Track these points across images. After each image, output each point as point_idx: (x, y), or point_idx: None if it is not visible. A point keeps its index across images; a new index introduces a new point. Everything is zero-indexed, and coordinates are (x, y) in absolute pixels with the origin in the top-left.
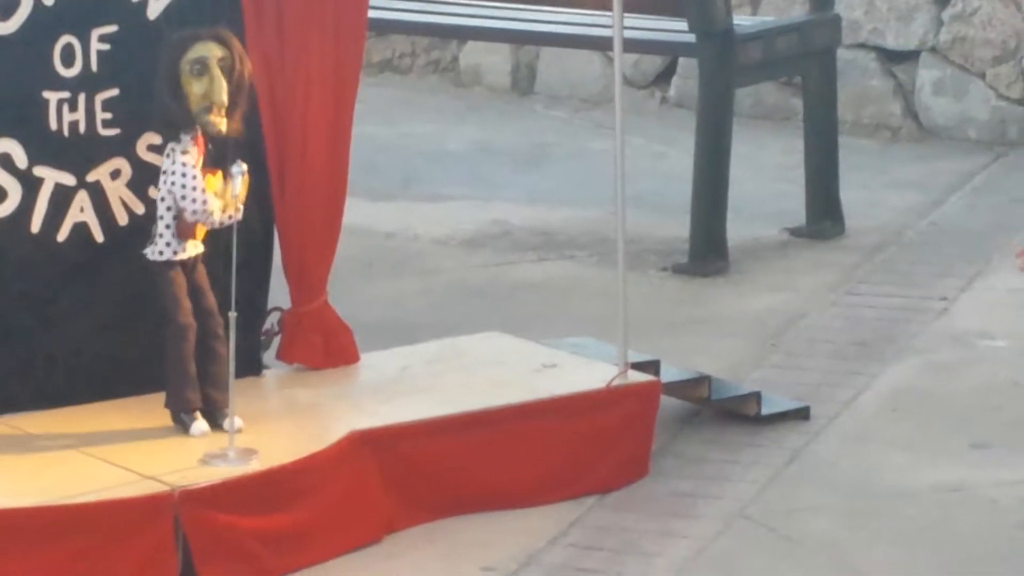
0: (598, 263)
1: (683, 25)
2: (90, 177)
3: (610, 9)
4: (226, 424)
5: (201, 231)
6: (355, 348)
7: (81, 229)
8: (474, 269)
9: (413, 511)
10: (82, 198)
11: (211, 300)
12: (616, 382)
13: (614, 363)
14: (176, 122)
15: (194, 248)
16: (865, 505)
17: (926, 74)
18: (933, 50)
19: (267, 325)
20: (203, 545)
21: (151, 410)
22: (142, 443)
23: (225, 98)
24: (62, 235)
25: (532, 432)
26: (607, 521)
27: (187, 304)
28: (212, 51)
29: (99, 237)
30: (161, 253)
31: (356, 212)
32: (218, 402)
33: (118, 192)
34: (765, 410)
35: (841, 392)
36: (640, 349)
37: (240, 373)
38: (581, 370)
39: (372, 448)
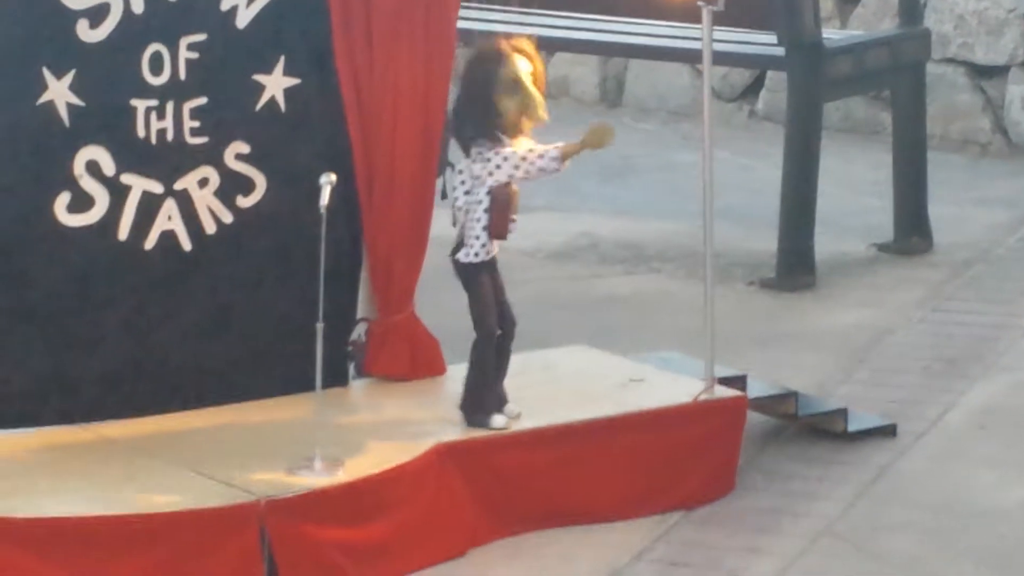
0: (685, 276)
1: (772, 38)
2: (178, 185)
3: (699, 22)
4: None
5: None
6: (442, 360)
7: (168, 237)
8: (562, 281)
9: (498, 524)
10: (169, 206)
11: (506, 298)
12: (703, 397)
13: (701, 378)
14: (489, 132)
15: (496, 247)
16: (952, 523)
17: (1016, 89)
18: (1023, 65)
19: (355, 335)
20: (288, 555)
21: (238, 419)
22: (229, 453)
23: (544, 114)
24: (149, 243)
25: (618, 446)
26: (693, 537)
27: (494, 309)
28: (523, 67)
29: (186, 245)
30: (476, 255)
31: (445, 223)
32: (503, 396)
33: (206, 201)
34: (852, 427)
35: (928, 409)
36: (727, 364)
37: (327, 383)
38: (668, 384)
39: (457, 461)
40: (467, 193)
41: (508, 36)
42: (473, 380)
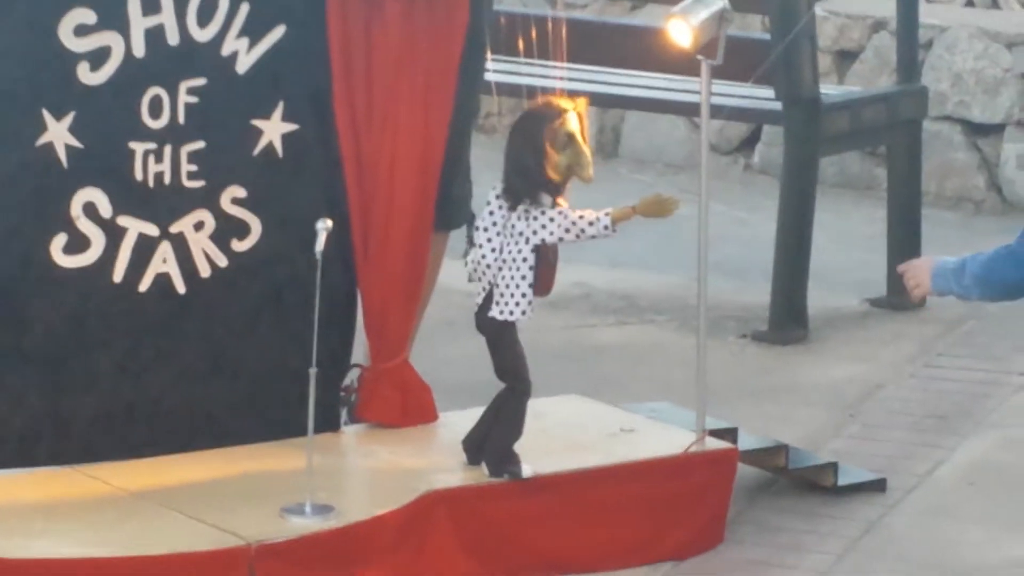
0: (678, 328)
1: (770, 93)
2: (173, 228)
3: (697, 75)
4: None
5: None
6: (434, 407)
7: (163, 280)
8: (555, 331)
9: (488, 572)
10: (165, 249)
11: None
12: (693, 448)
13: (692, 429)
14: (538, 188)
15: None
16: None
17: (1011, 148)
18: (1019, 124)
19: (347, 381)
20: None
21: (230, 463)
22: (220, 496)
23: (591, 172)
24: (144, 285)
25: (609, 496)
26: None
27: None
28: (576, 124)
29: (180, 288)
30: (523, 312)
31: (446, 273)
32: None
33: (201, 244)
34: (842, 481)
35: (918, 465)
36: (718, 416)
37: (319, 428)
38: (659, 435)
39: (448, 508)
40: (494, 250)
41: (552, 91)
42: (507, 433)
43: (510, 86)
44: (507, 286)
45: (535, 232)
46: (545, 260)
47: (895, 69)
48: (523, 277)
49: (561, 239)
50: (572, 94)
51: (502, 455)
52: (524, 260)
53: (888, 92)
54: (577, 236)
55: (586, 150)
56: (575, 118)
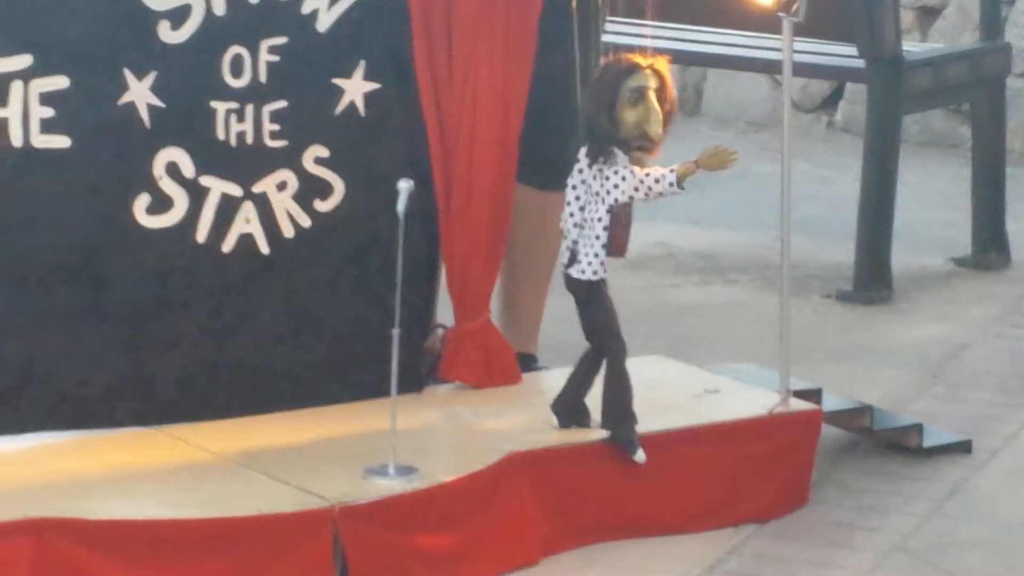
0: (761, 288)
1: (852, 50)
2: (256, 188)
3: (779, 32)
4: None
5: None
6: (516, 368)
7: (246, 240)
8: (637, 291)
9: (571, 534)
10: (248, 209)
11: None
12: (778, 410)
13: (776, 390)
14: (610, 145)
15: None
16: None
17: None
18: None
19: (430, 342)
20: (361, 561)
21: (313, 424)
22: (303, 457)
23: (660, 130)
24: (227, 246)
25: (692, 458)
26: (765, 549)
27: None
28: (649, 81)
29: (264, 249)
30: (595, 272)
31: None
32: (586, 409)
33: (284, 204)
34: (927, 442)
35: (1004, 426)
36: (802, 376)
37: (402, 389)
38: (743, 396)
39: (531, 470)
40: (582, 208)
41: (641, 50)
42: (620, 393)
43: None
44: (584, 245)
45: (608, 192)
46: (618, 221)
47: (978, 26)
48: (596, 237)
49: (631, 198)
50: (654, 52)
51: (623, 415)
52: (599, 220)
53: (971, 49)
54: (646, 195)
55: (656, 107)
56: (651, 75)
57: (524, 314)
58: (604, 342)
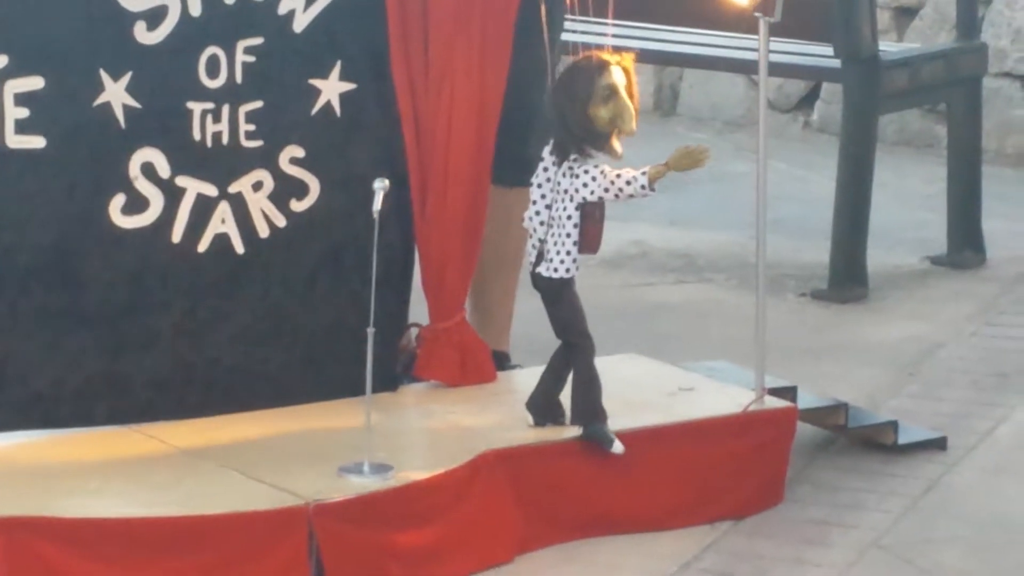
0: (737, 287)
1: (829, 50)
2: (232, 188)
3: (755, 32)
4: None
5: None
6: (492, 366)
7: (222, 240)
8: (612, 289)
9: (546, 532)
10: (223, 209)
11: None
12: (752, 407)
13: (751, 388)
14: (583, 142)
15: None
16: (1001, 538)
17: None
18: None
19: (404, 340)
20: (336, 560)
21: (288, 422)
22: (278, 456)
23: (634, 126)
24: (203, 245)
25: (667, 455)
26: (741, 547)
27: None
28: (619, 78)
29: (239, 248)
30: (568, 271)
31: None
32: (560, 406)
33: (259, 204)
34: (902, 439)
35: (979, 423)
36: (777, 374)
37: (377, 388)
38: (717, 394)
39: (506, 467)
40: (548, 207)
41: (603, 48)
42: (588, 390)
43: (567, 44)
44: (554, 243)
45: (577, 190)
46: (591, 218)
47: (954, 26)
48: (567, 235)
49: (601, 198)
50: (622, 50)
51: (593, 412)
52: (568, 218)
53: (947, 49)
54: (616, 196)
55: (629, 103)
56: (619, 72)
57: (495, 312)
58: (572, 340)
